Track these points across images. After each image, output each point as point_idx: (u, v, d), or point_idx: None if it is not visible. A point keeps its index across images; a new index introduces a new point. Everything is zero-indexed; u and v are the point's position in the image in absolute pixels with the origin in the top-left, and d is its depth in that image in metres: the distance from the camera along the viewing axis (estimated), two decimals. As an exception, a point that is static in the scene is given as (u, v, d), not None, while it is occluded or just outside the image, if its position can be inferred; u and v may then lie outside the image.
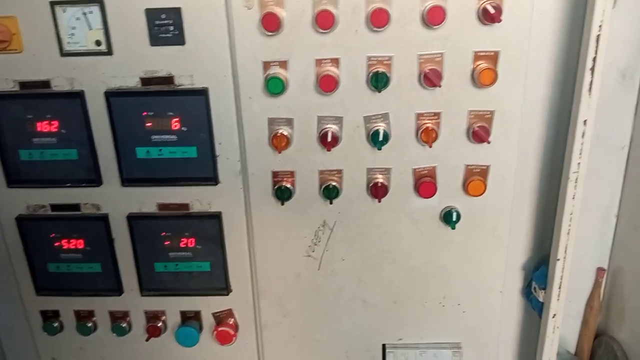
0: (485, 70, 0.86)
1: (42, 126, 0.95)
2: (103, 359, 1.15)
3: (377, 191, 0.94)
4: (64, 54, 0.90)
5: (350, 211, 0.98)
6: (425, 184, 0.93)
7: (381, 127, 0.90)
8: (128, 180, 0.98)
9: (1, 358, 1.18)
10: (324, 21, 0.83)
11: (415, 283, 1.04)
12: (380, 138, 0.90)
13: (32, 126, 0.95)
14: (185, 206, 1.01)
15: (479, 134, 0.90)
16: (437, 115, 0.90)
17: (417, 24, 0.85)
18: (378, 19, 0.84)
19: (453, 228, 0.96)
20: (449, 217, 0.96)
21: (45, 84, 0.93)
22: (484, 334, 1.07)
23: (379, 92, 0.87)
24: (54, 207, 1.02)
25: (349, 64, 0.88)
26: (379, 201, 0.95)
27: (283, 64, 0.88)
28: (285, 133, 0.92)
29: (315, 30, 0.85)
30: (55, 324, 1.11)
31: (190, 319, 1.09)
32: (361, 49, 0.87)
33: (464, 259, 1.01)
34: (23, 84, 0.93)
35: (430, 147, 0.90)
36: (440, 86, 0.87)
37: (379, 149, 0.91)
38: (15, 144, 0.97)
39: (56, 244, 1.05)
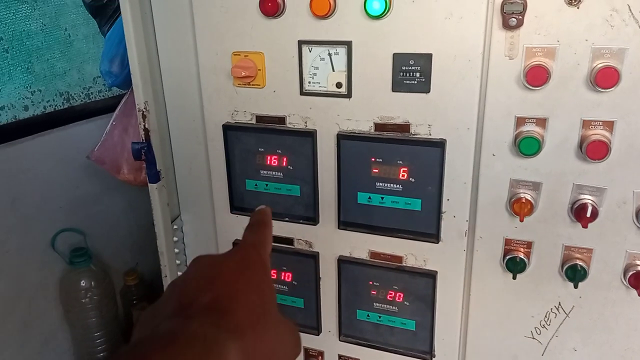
0: None
1: (272, 160, 0.96)
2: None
3: (638, 280, 0.78)
4: (303, 93, 0.89)
5: (596, 298, 0.83)
6: None
7: (658, 207, 0.74)
8: (344, 223, 0.95)
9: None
10: (605, 78, 0.70)
11: (666, 396, 0.84)
12: (657, 222, 0.73)
13: (262, 159, 0.97)
14: (398, 259, 0.94)
15: None
16: None
17: None
18: (677, 80, 0.68)
19: None
20: None
21: (281, 120, 0.93)
22: None
23: (663, 166, 0.71)
24: (269, 238, 1.03)
25: (626, 129, 0.73)
26: (639, 293, 0.78)
27: (541, 122, 0.77)
28: (530, 198, 0.80)
29: (590, 87, 0.72)
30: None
31: (386, 375, 1.02)
32: (645, 112, 0.72)
33: None
34: (260, 118, 0.95)
35: None
36: None
37: (652, 233, 0.75)
38: (244, 174, 0.99)
39: (265, 272, 1.06)
